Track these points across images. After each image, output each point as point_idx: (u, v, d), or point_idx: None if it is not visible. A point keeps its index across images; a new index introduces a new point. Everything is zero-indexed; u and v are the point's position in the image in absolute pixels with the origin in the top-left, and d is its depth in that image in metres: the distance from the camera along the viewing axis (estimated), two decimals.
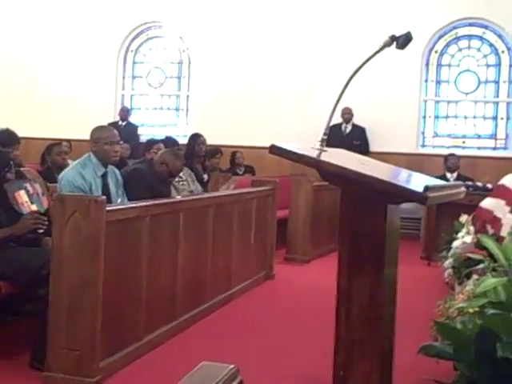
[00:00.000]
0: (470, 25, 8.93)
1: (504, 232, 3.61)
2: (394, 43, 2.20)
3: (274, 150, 2.05)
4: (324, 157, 2.07)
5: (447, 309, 2.92)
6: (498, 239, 3.47)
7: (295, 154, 2.00)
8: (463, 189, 2.54)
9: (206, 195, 5.00)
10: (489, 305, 2.56)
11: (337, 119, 8.57)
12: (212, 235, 4.38)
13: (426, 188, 1.83)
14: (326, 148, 2.19)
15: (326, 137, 2.22)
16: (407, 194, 1.82)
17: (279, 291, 5.33)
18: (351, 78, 2.15)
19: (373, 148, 8.66)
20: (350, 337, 1.97)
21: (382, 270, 1.95)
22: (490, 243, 3.02)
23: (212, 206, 4.42)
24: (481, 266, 3.30)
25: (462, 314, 2.71)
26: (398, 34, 2.22)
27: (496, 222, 4.06)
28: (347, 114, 8.65)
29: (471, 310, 2.62)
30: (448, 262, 4.76)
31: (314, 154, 2.09)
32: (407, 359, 2.88)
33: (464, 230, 4.96)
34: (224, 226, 4.62)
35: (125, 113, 9.52)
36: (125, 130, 8.59)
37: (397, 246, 2.16)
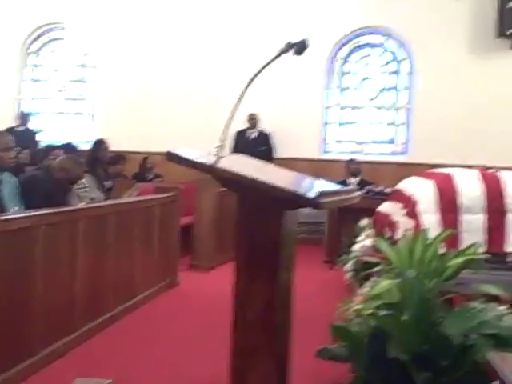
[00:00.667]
0: (372, 33, 9.24)
1: (399, 235, 3.74)
2: (292, 50, 2.23)
3: (169, 156, 2.03)
4: (220, 163, 2.07)
5: (346, 311, 2.99)
6: (395, 242, 3.59)
7: (189, 160, 1.98)
8: (358, 193, 2.61)
9: (106, 203, 4.89)
10: (383, 306, 2.64)
11: (243, 125, 8.64)
12: (113, 243, 4.28)
13: (319, 193, 1.86)
14: (224, 154, 2.19)
15: (222, 143, 2.22)
16: (300, 200, 1.85)
17: (183, 299, 5.28)
18: (249, 84, 2.17)
19: (278, 154, 8.78)
20: (246, 342, 1.97)
21: (277, 275, 1.97)
22: (384, 246, 3.11)
23: (113, 213, 4.32)
24: (377, 268, 3.40)
25: (358, 316, 2.79)
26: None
27: (393, 225, 4.20)
28: (253, 120, 8.73)
29: (367, 312, 2.70)
30: (348, 266, 4.89)
31: (210, 160, 2.08)
32: (307, 363, 2.92)
33: (364, 234, 5.11)
34: (126, 234, 4.53)
35: (23, 118, 9.16)
36: (23, 135, 8.25)
37: (293, 252, 2.18)
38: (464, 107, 8.60)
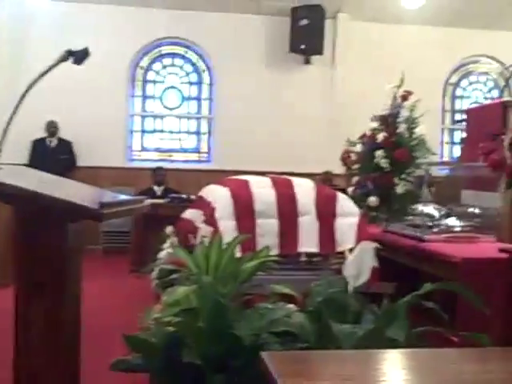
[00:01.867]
0: (173, 44, 9.33)
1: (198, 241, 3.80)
2: (72, 58, 2.17)
3: None
4: None
5: (146, 320, 2.96)
6: None
7: None
8: (147, 202, 2.61)
9: None
10: (181, 313, 2.67)
11: (42, 133, 8.27)
12: None
13: (101, 204, 1.83)
14: (2, 166, 2.07)
15: None
16: (83, 212, 1.80)
17: None
18: (26, 92, 2.07)
19: (82, 162, 8.51)
20: (31, 366, 1.86)
21: (62, 290, 1.89)
22: (181, 253, 3.15)
23: None
24: (176, 275, 3.42)
25: (158, 325, 2.78)
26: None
27: (195, 231, 4.26)
28: (52, 128, 8.36)
29: (165, 320, 2.70)
30: (154, 274, 4.87)
31: None
32: (104, 378, 2.85)
33: (168, 241, 5.14)
34: None
35: None
36: None
37: (80, 265, 2.12)
38: (261, 117, 9.05)
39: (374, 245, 3.32)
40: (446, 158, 9.96)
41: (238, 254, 3.30)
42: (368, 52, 9.11)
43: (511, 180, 3.13)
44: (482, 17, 9.09)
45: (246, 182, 4.00)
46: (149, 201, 2.66)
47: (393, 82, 4.47)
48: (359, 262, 2.91)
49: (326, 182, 7.45)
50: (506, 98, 7.66)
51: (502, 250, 3.24)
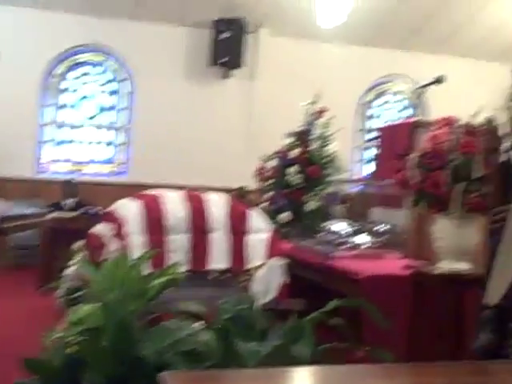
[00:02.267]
0: (92, 51, 9.12)
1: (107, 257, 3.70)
2: None
3: None
4: None
5: (49, 340, 2.84)
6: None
7: None
8: (53, 215, 2.51)
9: None
10: (85, 332, 2.57)
11: None
12: None
13: (3, 219, 1.73)
14: None
15: None
16: None
17: None
18: None
19: None
20: None
21: None
22: (88, 269, 3.05)
23: None
24: (82, 292, 3.31)
25: (60, 345, 2.67)
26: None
27: (105, 247, 4.15)
28: None
29: (69, 339, 2.59)
30: (60, 291, 4.70)
31: None
32: None
33: (77, 257, 4.97)
34: None
35: None
36: None
37: None
38: (180, 129, 8.98)
39: (284, 261, 3.33)
40: (357, 176, 10.21)
41: (149, 271, 3.23)
42: (287, 68, 9.24)
43: (418, 198, 3.22)
44: (397, 37, 9.42)
45: (157, 197, 3.93)
46: (55, 214, 2.56)
47: (309, 98, 4.55)
48: (267, 279, 2.91)
49: (240, 198, 7.45)
50: (415, 118, 7.95)
51: (406, 267, 3.33)
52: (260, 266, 3.37)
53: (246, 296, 2.83)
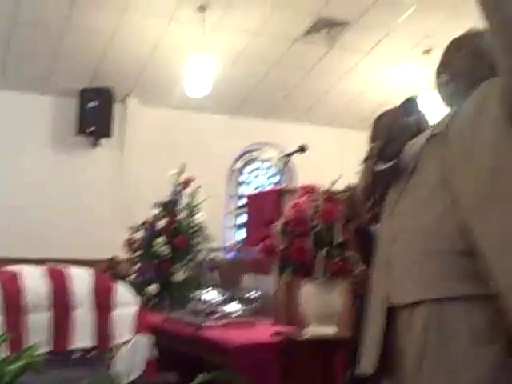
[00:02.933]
0: None
1: None
2: None
3: None
4: None
5: None
6: None
7: None
8: None
9: None
10: None
11: None
12: None
13: None
14: None
15: None
16: None
17: None
18: None
19: None
20: None
21: None
22: None
23: None
24: None
25: None
26: None
27: None
28: None
29: None
30: None
31: None
32: None
33: None
34: None
35: None
36: None
37: None
38: (47, 201, 8.63)
39: (149, 336, 3.21)
40: (230, 243, 10.29)
41: (4, 355, 2.99)
42: (157, 137, 9.24)
43: (283, 264, 3.26)
44: (264, 106, 9.78)
45: (16, 274, 3.69)
46: None
47: (178, 168, 4.54)
48: (132, 356, 2.78)
49: (110, 269, 7.23)
50: (281, 186, 8.21)
51: (274, 334, 3.33)
52: (126, 343, 3.23)
53: (108, 376, 2.69)
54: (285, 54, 8.50)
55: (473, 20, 1.79)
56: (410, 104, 1.84)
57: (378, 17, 7.69)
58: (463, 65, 1.86)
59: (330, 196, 3.09)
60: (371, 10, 7.64)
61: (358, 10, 7.71)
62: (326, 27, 8.07)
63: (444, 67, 1.95)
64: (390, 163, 1.83)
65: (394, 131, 1.81)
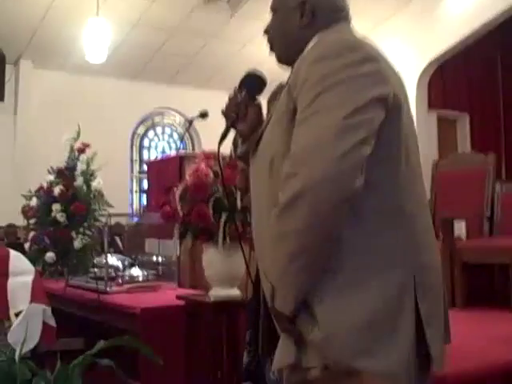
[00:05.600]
0: None
1: None
2: None
3: None
4: None
5: None
6: None
7: None
8: None
9: None
10: None
11: None
12: None
13: None
14: None
15: None
16: None
17: None
18: None
19: None
20: None
21: None
22: None
23: None
24: None
25: None
26: None
27: None
28: None
29: None
30: None
31: None
32: None
33: None
34: None
35: None
36: None
37: None
38: None
39: (45, 304, 3.14)
40: (136, 206, 10.19)
41: None
42: (52, 101, 8.90)
43: (184, 229, 3.27)
44: (165, 72, 9.62)
45: None
46: None
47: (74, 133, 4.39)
48: (26, 325, 2.71)
49: (9, 236, 6.99)
50: (182, 152, 8.17)
51: (178, 297, 3.35)
52: (19, 313, 3.14)
53: (4, 346, 2.62)
54: (184, 20, 8.36)
55: None
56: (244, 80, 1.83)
57: None
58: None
59: (231, 162, 3.10)
60: None
61: None
62: None
63: None
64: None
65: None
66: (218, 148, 1.84)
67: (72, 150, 3.96)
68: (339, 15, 1.70)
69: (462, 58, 9.09)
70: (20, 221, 6.61)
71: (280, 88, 1.81)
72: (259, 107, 1.84)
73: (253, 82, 1.83)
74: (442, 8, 8.42)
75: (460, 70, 9.59)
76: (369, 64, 1.48)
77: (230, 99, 1.84)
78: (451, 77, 9.52)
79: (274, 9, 1.78)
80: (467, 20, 8.05)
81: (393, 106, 1.49)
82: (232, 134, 1.89)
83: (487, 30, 8.09)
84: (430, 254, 1.58)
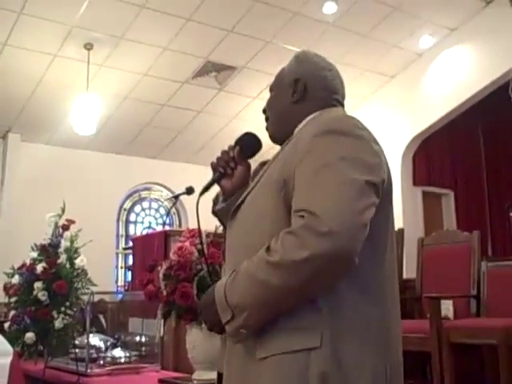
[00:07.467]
0: None
1: None
2: None
3: None
4: None
5: None
6: None
7: None
8: None
9: None
10: None
11: None
12: None
13: None
14: None
15: None
16: None
17: None
18: None
19: None
20: None
21: None
22: None
23: None
24: None
25: None
26: None
27: None
28: None
29: None
30: None
31: None
32: None
33: None
34: None
35: None
36: None
37: None
38: None
39: None
40: (121, 282, 10.03)
41: None
42: (39, 175, 8.86)
43: (168, 309, 3.20)
44: (153, 146, 9.71)
45: None
46: None
47: (60, 208, 4.34)
48: None
49: None
50: (167, 228, 8.13)
51: (160, 381, 3.25)
52: None
53: None
54: (173, 95, 8.52)
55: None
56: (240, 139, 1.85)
57: (264, 62, 7.91)
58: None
59: (214, 239, 3.07)
60: (258, 55, 7.87)
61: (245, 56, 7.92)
62: (215, 71, 8.20)
63: None
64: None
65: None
66: (198, 199, 1.82)
67: (56, 226, 3.91)
68: (333, 97, 1.73)
69: (445, 134, 9.27)
70: (1, 297, 6.49)
71: (261, 165, 1.81)
72: (248, 168, 1.85)
73: (249, 142, 1.85)
74: (423, 86, 8.65)
75: (443, 145, 9.76)
76: (375, 144, 1.52)
77: (222, 153, 1.84)
78: (435, 153, 9.67)
79: (271, 88, 1.83)
80: (448, 98, 8.26)
81: (384, 192, 1.51)
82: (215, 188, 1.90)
83: (468, 105, 8.29)
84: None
